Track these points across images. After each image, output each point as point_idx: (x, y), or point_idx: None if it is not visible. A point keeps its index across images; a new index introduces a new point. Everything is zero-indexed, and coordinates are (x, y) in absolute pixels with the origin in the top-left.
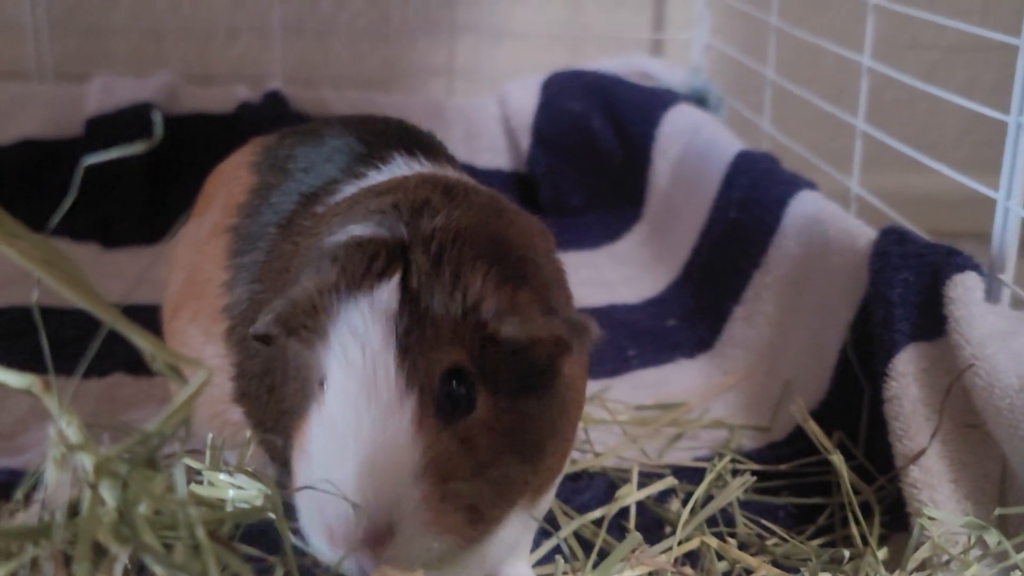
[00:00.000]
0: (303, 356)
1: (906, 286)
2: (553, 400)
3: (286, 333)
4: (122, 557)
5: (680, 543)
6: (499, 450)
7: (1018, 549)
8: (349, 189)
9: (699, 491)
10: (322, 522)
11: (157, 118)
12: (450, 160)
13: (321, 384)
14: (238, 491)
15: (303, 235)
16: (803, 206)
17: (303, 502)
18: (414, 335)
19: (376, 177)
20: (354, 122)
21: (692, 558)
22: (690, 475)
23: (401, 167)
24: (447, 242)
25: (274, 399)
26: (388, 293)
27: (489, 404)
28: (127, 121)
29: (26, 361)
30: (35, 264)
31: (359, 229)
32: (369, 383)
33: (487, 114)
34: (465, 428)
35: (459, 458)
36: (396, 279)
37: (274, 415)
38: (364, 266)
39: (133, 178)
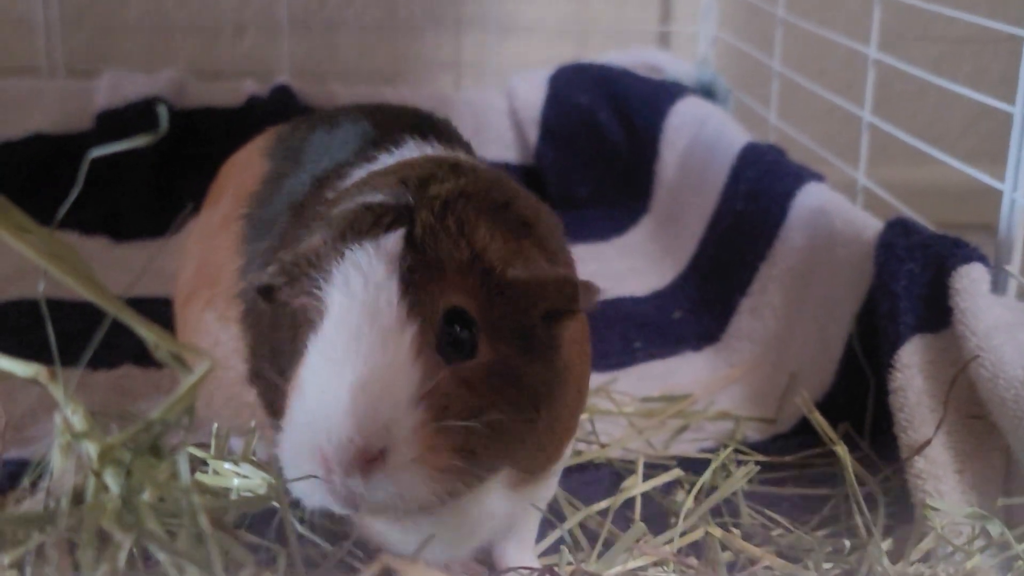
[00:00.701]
0: (303, 302)
1: (911, 278)
2: (553, 366)
3: (289, 282)
4: (126, 544)
5: (684, 533)
6: (497, 398)
7: (1020, 539)
8: (359, 173)
9: (702, 480)
10: (311, 444)
11: (163, 111)
12: (464, 146)
13: (320, 319)
14: (243, 480)
15: (316, 220)
16: (809, 198)
17: (291, 431)
18: (418, 273)
19: (387, 160)
20: (369, 109)
21: (697, 548)
22: (696, 467)
23: (412, 150)
24: (452, 201)
25: (282, 380)
26: (393, 240)
27: (490, 352)
28: (136, 116)
29: (36, 353)
30: (42, 257)
31: (366, 197)
32: (370, 309)
33: (494, 107)
34: (465, 370)
35: (456, 396)
36: (402, 231)
37: (282, 395)
38: (371, 221)
39: (142, 172)
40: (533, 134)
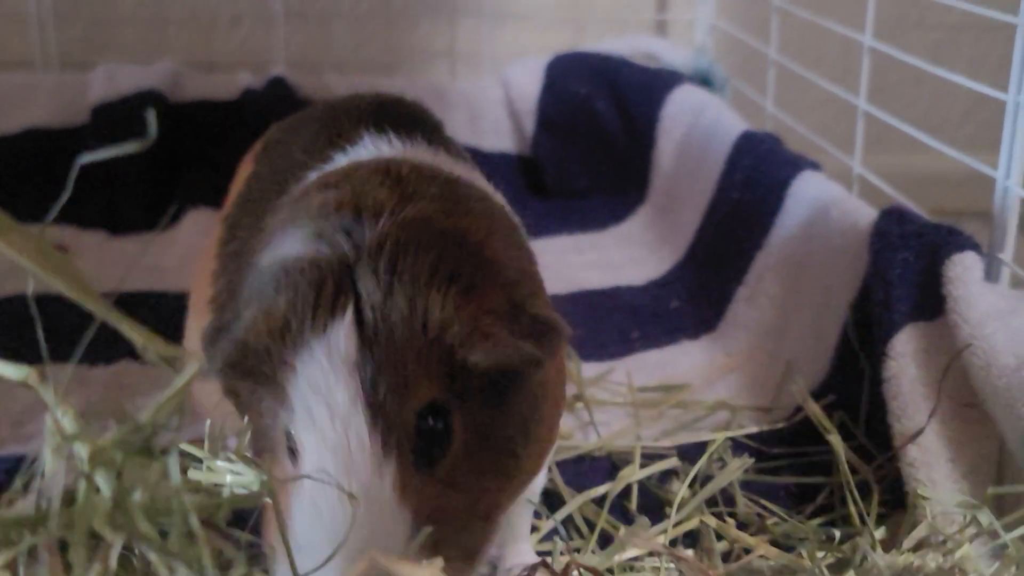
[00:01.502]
0: (264, 398)
1: (905, 266)
2: (524, 405)
3: (240, 377)
4: (117, 545)
5: (679, 523)
6: (480, 477)
7: (1011, 527)
8: (312, 176)
9: (695, 469)
10: None
11: (151, 117)
12: (429, 134)
13: (292, 449)
14: (235, 477)
15: (267, 230)
16: (805, 187)
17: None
18: (381, 384)
19: (340, 161)
20: (337, 102)
21: (692, 537)
22: (692, 456)
23: (368, 147)
24: (396, 254)
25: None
26: (344, 336)
27: (465, 428)
28: (132, 109)
29: (32, 349)
30: (27, 259)
31: (297, 246)
32: (344, 457)
33: (490, 97)
34: (446, 467)
35: (446, 504)
36: (349, 315)
37: (257, 413)
38: (312, 299)
39: (138, 166)
40: (529, 124)
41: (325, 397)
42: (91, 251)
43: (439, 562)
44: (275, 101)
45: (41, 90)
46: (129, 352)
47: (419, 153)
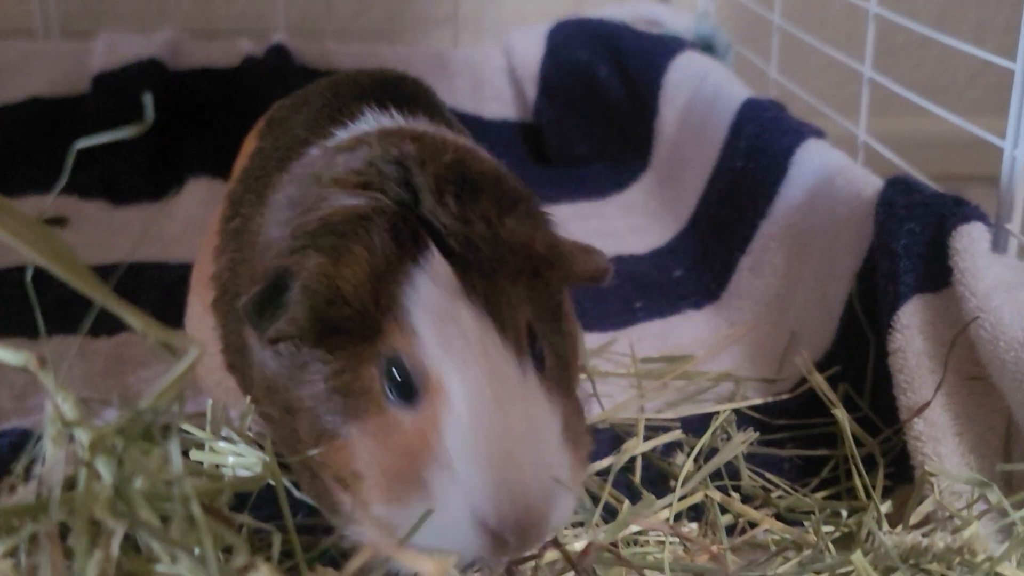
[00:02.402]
0: (343, 357)
1: (911, 237)
2: (567, 325)
3: (316, 333)
4: (119, 532)
5: (684, 497)
6: (563, 392)
7: (1021, 505)
8: (314, 152)
9: (701, 443)
10: (514, 523)
11: (148, 100)
12: (428, 109)
13: (410, 384)
14: (238, 458)
15: (272, 207)
16: (810, 155)
17: (447, 512)
18: (494, 305)
19: (342, 136)
20: (337, 79)
21: (697, 511)
22: (696, 428)
23: (369, 123)
24: (460, 190)
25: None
26: (443, 267)
27: (545, 345)
28: (133, 77)
29: (33, 322)
30: (23, 243)
31: (343, 198)
32: (494, 374)
33: (492, 64)
34: (550, 373)
35: (565, 405)
36: (435, 250)
37: (261, 390)
38: (391, 241)
39: (141, 136)
40: (532, 91)
41: (454, 323)
42: (92, 221)
43: (453, 557)
44: (276, 69)
45: (42, 59)
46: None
47: (423, 127)
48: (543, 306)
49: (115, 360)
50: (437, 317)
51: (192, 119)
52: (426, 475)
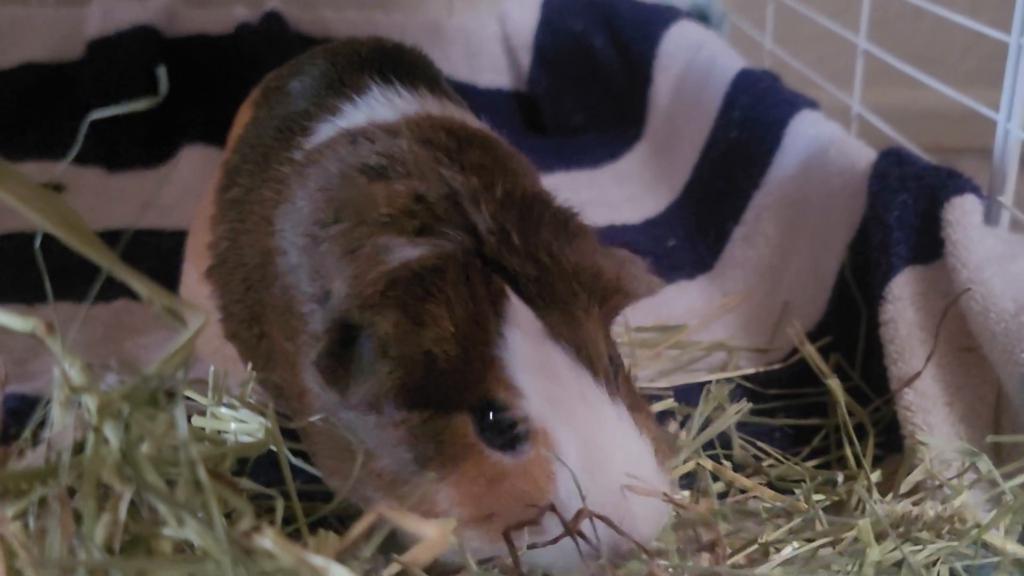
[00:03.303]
0: (432, 409)
1: (904, 208)
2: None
3: (406, 400)
4: (126, 496)
5: (678, 465)
6: (635, 394)
7: (1010, 476)
8: (325, 128)
9: (697, 419)
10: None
11: (162, 74)
12: (429, 81)
13: (515, 434)
14: (240, 424)
15: (283, 183)
16: (803, 126)
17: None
18: (580, 343)
19: (352, 114)
20: (333, 47)
21: (690, 478)
22: (689, 396)
23: (377, 98)
24: (523, 229)
25: (264, 344)
26: (523, 314)
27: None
28: (127, 44)
29: (34, 287)
30: (32, 209)
31: (406, 249)
32: (595, 420)
33: (487, 33)
34: (627, 396)
35: (648, 424)
36: (513, 296)
37: (264, 358)
38: (466, 293)
39: (135, 101)
40: (526, 60)
41: (550, 371)
42: (89, 188)
43: (451, 522)
44: (271, 36)
45: (37, 25)
46: (128, 291)
47: (428, 105)
48: (608, 327)
49: (114, 326)
50: (533, 368)
51: (187, 86)
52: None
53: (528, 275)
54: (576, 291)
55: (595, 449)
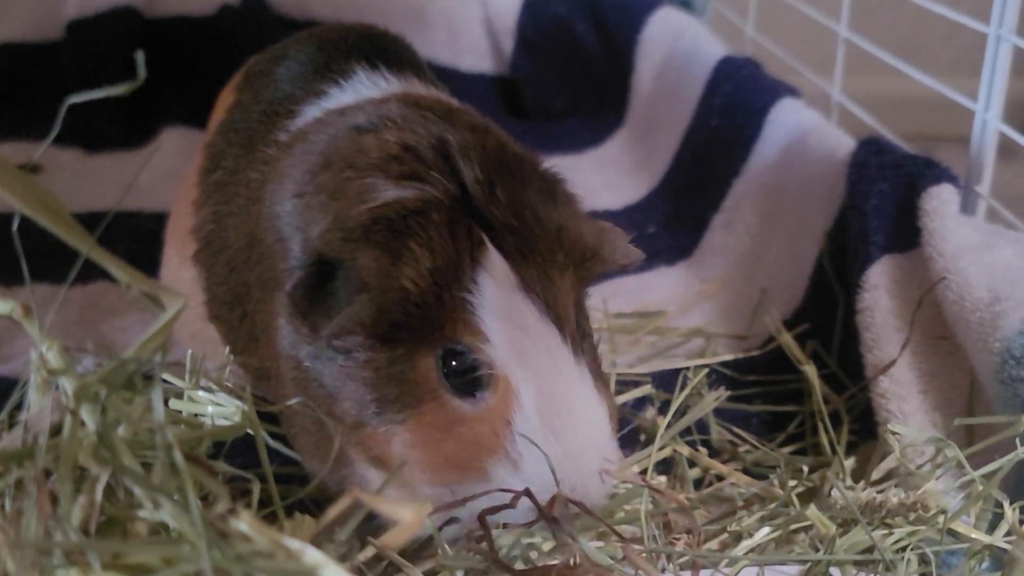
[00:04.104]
0: (397, 348)
1: (882, 197)
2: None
3: (379, 336)
4: (102, 478)
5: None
6: (598, 361)
7: (979, 459)
8: (311, 111)
9: (675, 405)
10: (571, 517)
11: (139, 58)
12: (414, 68)
13: (472, 378)
14: (217, 407)
15: (269, 164)
16: (784, 114)
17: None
18: (550, 300)
19: (339, 96)
20: (319, 33)
21: (667, 464)
22: (667, 382)
23: (364, 82)
24: (508, 182)
25: (246, 325)
26: (499, 265)
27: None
28: (107, 25)
29: (10, 268)
30: (9, 191)
31: (388, 191)
32: (558, 374)
33: (469, 16)
34: (590, 359)
35: (606, 391)
36: (491, 246)
37: (246, 339)
38: (449, 236)
39: (114, 83)
40: (508, 44)
41: (519, 323)
42: (67, 169)
43: (426, 506)
44: (252, 18)
45: (16, 5)
46: (104, 273)
47: (415, 88)
48: (581, 293)
49: (89, 309)
50: (502, 316)
51: (167, 68)
52: (488, 465)
53: (509, 228)
54: (554, 250)
55: (554, 402)
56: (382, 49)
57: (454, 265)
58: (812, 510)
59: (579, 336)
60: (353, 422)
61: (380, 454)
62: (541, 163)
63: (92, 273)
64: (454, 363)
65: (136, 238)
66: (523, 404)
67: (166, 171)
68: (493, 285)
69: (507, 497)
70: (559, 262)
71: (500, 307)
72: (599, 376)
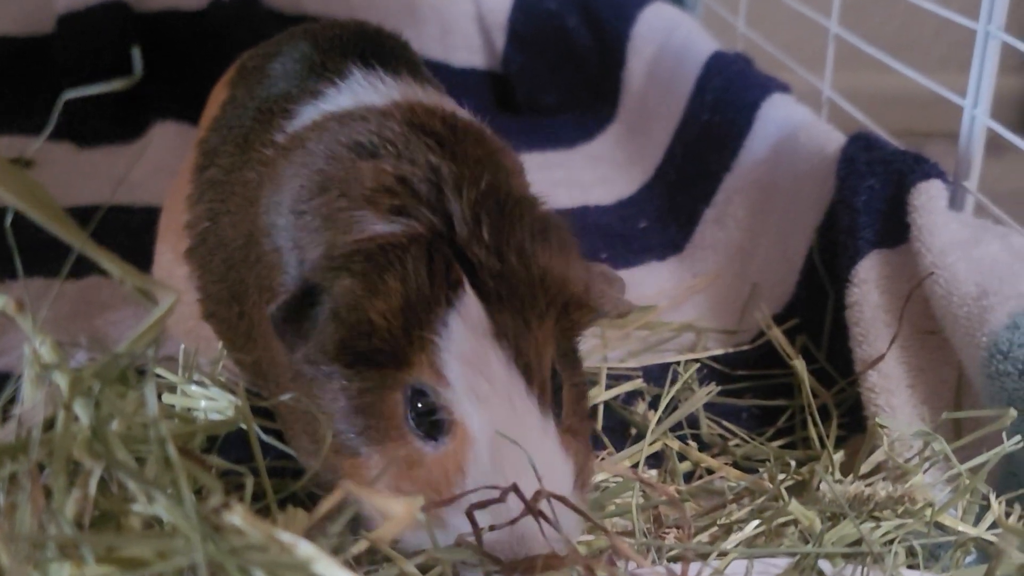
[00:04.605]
0: (369, 379)
1: (871, 193)
2: (578, 355)
3: (344, 360)
4: (96, 472)
5: (651, 443)
6: (581, 417)
7: (967, 452)
8: (308, 112)
9: (668, 396)
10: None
11: (136, 55)
12: (410, 67)
13: (436, 422)
14: (210, 402)
15: (267, 166)
16: (775, 109)
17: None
18: (522, 347)
19: (335, 97)
20: (314, 30)
21: (657, 458)
22: (658, 377)
23: (361, 83)
24: (496, 223)
25: (243, 324)
26: (474, 306)
27: (566, 381)
28: (98, 18)
29: (3, 262)
30: (3, 188)
31: (377, 224)
32: (514, 419)
33: (461, 11)
34: (567, 416)
35: (578, 451)
36: (468, 288)
37: (243, 337)
38: (426, 274)
39: (105, 77)
40: (500, 39)
41: (483, 371)
42: (58, 163)
43: (418, 499)
44: (243, 13)
45: None
46: (97, 267)
47: (411, 91)
48: (567, 343)
49: (82, 303)
50: (467, 362)
51: (158, 62)
52: (441, 511)
53: (491, 270)
54: (536, 296)
55: (509, 454)
56: (377, 47)
57: (427, 304)
58: (795, 505)
59: (555, 387)
60: (335, 447)
61: (355, 480)
62: (540, 204)
63: (85, 268)
64: (419, 404)
65: (127, 233)
66: (478, 452)
67: (157, 166)
68: (462, 328)
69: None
70: (539, 308)
71: (466, 352)
72: (575, 431)
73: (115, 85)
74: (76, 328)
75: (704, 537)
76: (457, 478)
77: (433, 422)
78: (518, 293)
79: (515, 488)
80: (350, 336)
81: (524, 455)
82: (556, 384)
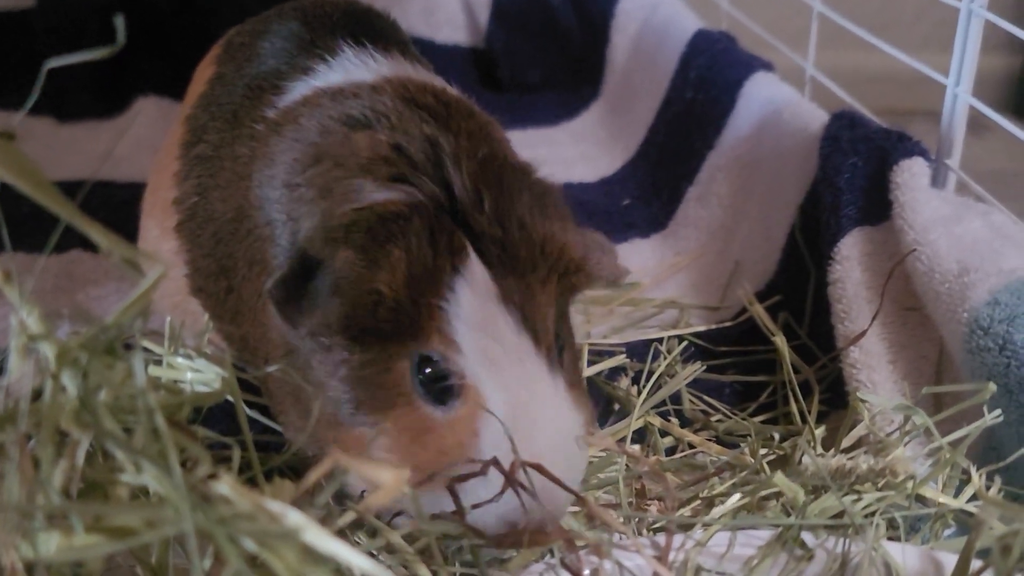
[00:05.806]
0: (373, 351)
1: (854, 171)
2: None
3: (349, 334)
4: (84, 442)
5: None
6: (578, 375)
7: (947, 426)
8: (299, 88)
9: (652, 381)
10: (536, 525)
11: (120, 23)
12: (400, 45)
13: (446, 388)
14: (196, 374)
15: (259, 141)
16: (758, 88)
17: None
18: (528, 311)
19: (327, 74)
20: (303, 7)
21: (640, 433)
22: (641, 353)
23: (352, 60)
24: (497, 192)
25: (232, 299)
26: (480, 272)
27: (564, 340)
28: None
29: None
30: None
31: (375, 192)
32: (529, 386)
33: None
34: (568, 373)
35: (584, 405)
36: (472, 254)
37: (231, 312)
38: (429, 243)
39: (108, 56)
40: (484, 16)
41: (493, 333)
42: (39, 138)
43: (405, 472)
44: None
45: None
46: (81, 241)
47: (401, 68)
48: (563, 305)
49: (65, 277)
50: (476, 326)
51: (141, 37)
52: (455, 475)
53: (493, 237)
54: (537, 262)
55: (524, 413)
56: (367, 25)
57: (432, 272)
58: (779, 477)
59: (558, 348)
60: (330, 419)
61: (354, 456)
62: (535, 172)
63: (67, 242)
64: (428, 370)
65: (109, 207)
66: (491, 415)
67: (139, 141)
68: (470, 294)
69: (476, 467)
70: (541, 274)
71: (475, 317)
72: (578, 387)
73: (98, 53)
74: (57, 302)
75: (687, 511)
76: (472, 441)
77: (443, 388)
78: (520, 259)
79: (495, 462)
80: (355, 310)
81: (536, 415)
82: (559, 346)
